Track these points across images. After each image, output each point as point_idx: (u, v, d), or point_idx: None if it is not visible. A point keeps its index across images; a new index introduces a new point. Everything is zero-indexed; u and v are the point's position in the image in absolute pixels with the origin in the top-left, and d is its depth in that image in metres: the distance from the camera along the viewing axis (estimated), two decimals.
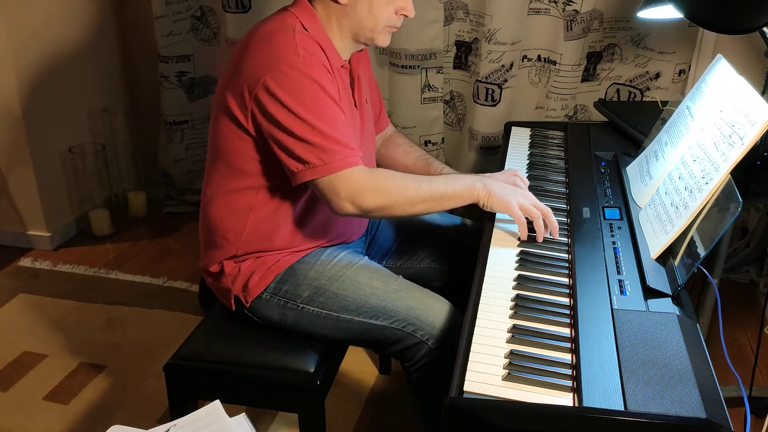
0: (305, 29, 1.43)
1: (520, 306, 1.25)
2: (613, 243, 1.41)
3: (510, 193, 1.48)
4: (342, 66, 1.52)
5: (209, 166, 1.56)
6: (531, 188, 1.69)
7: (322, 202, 1.44)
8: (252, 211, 1.51)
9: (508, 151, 1.93)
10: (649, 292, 1.25)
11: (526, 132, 2.07)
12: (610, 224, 1.48)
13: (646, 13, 2.01)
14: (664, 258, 1.32)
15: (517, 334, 1.18)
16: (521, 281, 1.33)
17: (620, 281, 1.28)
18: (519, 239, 1.47)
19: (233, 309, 1.58)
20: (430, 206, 1.47)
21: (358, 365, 2.22)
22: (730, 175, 1.24)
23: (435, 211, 1.50)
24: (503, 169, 1.81)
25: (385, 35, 1.51)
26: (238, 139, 1.46)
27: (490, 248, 1.44)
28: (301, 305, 1.52)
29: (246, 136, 1.45)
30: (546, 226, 1.47)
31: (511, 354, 1.13)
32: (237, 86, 1.42)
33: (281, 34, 1.41)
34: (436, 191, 1.45)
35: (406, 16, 1.50)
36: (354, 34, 1.50)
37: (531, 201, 1.47)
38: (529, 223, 1.47)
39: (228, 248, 1.54)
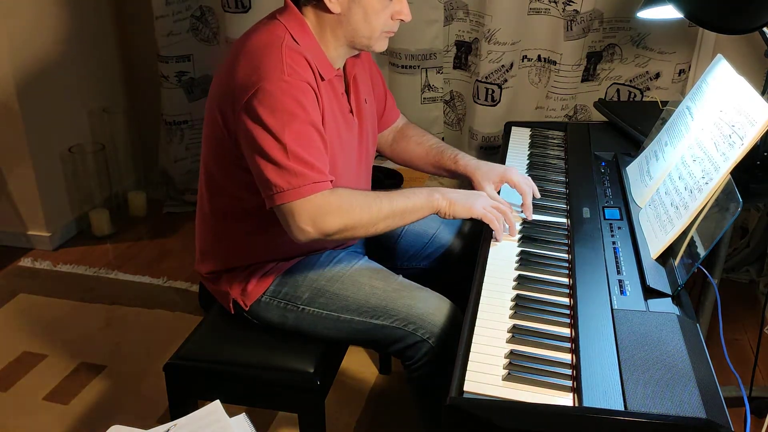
0: (295, 41, 1.39)
1: (520, 306, 1.25)
2: (613, 243, 1.41)
3: (470, 197, 1.49)
4: (335, 75, 1.48)
5: (202, 179, 1.55)
6: None
7: None
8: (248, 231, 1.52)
9: (508, 151, 1.93)
10: (649, 292, 1.25)
11: (526, 132, 2.07)
12: (610, 224, 1.48)
13: (646, 13, 2.01)
14: (664, 258, 1.31)
15: (517, 334, 1.18)
16: (521, 281, 1.33)
17: (620, 281, 1.28)
18: (518, 239, 1.47)
19: (232, 312, 1.58)
20: (392, 223, 1.44)
21: (358, 365, 2.22)
22: (730, 175, 1.24)
23: (397, 226, 1.47)
24: None
25: (383, 40, 1.48)
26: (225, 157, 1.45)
27: (490, 248, 1.44)
28: (302, 306, 1.52)
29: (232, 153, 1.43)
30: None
31: (511, 354, 1.13)
32: (223, 103, 1.39)
33: (268, 50, 1.36)
34: (397, 207, 1.43)
35: (402, 20, 1.46)
36: (350, 42, 1.46)
37: (491, 202, 1.49)
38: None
39: (225, 260, 1.55)
